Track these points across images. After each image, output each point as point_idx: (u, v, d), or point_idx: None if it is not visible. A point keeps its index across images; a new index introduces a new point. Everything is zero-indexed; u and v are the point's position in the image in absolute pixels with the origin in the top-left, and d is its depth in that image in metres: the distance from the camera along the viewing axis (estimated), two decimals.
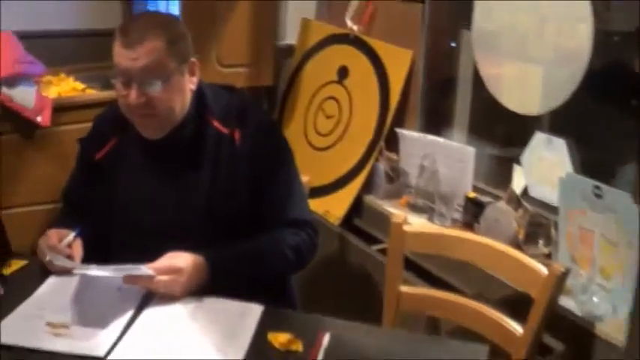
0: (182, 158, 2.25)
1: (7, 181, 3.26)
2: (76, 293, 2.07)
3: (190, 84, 2.23)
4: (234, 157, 2.23)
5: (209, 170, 2.23)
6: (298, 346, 1.86)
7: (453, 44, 3.25)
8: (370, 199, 3.25)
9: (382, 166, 3.22)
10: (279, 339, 1.87)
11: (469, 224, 2.85)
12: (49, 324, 1.92)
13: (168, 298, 2.03)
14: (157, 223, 2.24)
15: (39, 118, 3.28)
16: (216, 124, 2.26)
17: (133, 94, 2.11)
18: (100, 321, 1.94)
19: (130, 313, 1.98)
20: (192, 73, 2.23)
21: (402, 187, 3.21)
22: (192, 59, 2.23)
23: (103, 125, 2.38)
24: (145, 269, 1.99)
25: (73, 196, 2.40)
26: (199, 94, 2.28)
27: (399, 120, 3.27)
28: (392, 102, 3.26)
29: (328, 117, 3.57)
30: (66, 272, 2.12)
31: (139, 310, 2.00)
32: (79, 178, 2.41)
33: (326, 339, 1.88)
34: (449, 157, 2.98)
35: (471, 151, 2.90)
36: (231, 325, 1.94)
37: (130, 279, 2.01)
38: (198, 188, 2.23)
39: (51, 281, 2.14)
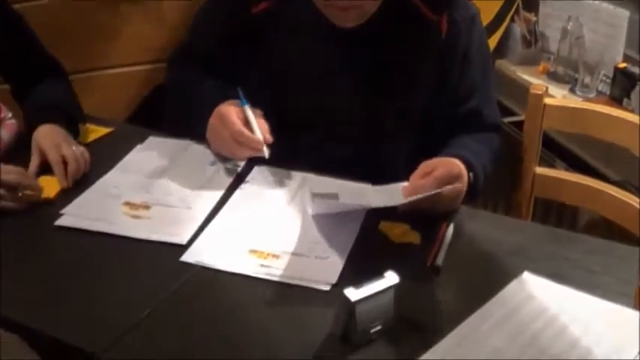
0: (372, 40, 1.93)
1: (99, 41, 3.14)
2: (162, 167, 1.92)
3: None
4: (440, 52, 1.94)
5: (408, 65, 1.95)
6: (415, 239, 1.68)
7: None
8: (503, 64, 3.09)
9: (518, 28, 3.02)
10: (394, 230, 1.69)
11: (617, 99, 2.71)
12: (127, 204, 1.77)
13: (261, 180, 1.87)
14: (324, 106, 1.97)
15: None
16: (421, 6, 1.93)
17: None
18: (186, 201, 1.79)
19: (220, 193, 1.82)
20: None
21: (540, 52, 3.07)
22: None
23: None
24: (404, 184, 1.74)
25: (208, 55, 2.04)
26: None
27: None
28: None
29: None
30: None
31: (230, 190, 1.84)
32: (219, 33, 2.03)
33: (449, 231, 1.69)
34: (597, 20, 2.81)
35: (624, 14, 2.67)
36: (337, 216, 1.74)
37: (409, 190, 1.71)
38: (393, 85, 1.96)
39: (134, 154, 1.99)
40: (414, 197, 1.65)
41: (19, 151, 1.96)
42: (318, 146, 1.97)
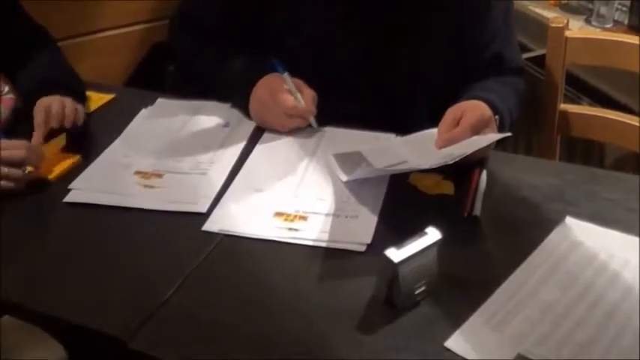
0: None
1: (90, 3, 3.05)
2: (172, 132, 1.84)
3: None
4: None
5: (428, 12, 1.86)
6: (449, 189, 1.61)
7: None
8: None
9: None
10: (425, 181, 1.62)
11: (636, 27, 2.65)
12: (138, 173, 1.68)
13: (276, 134, 1.81)
14: (337, 68, 1.89)
15: None
16: None
17: None
18: (200, 167, 1.71)
19: (236, 155, 1.74)
20: None
21: None
22: None
23: None
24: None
25: (210, 20, 1.97)
26: None
27: None
28: None
29: None
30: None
31: (246, 151, 1.76)
32: None
33: (482, 178, 1.61)
34: None
35: None
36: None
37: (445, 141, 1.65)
38: (414, 32, 1.87)
39: (140, 119, 1.90)
40: (460, 154, 1.56)
41: (17, 126, 1.85)
42: (333, 103, 1.86)
